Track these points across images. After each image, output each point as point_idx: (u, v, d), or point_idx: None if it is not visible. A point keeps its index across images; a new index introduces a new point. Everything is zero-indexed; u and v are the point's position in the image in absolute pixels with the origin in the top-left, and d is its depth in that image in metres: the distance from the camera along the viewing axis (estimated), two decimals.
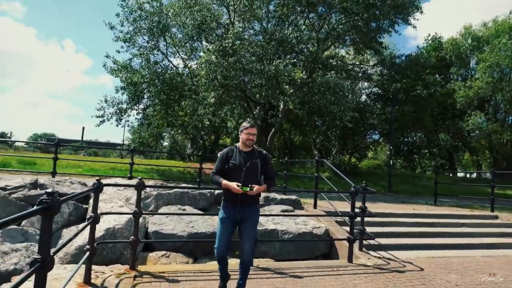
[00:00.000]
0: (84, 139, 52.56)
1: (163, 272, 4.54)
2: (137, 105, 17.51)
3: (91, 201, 6.62)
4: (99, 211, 4.33)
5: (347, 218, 6.70)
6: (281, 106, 19.96)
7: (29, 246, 5.10)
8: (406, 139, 27.99)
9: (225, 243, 3.81)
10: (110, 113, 16.79)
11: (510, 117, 25.60)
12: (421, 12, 17.62)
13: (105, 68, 17.56)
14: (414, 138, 28.30)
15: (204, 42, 18.95)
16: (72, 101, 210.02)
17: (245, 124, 3.89)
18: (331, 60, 21.18)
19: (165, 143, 49.09)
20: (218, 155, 4.01)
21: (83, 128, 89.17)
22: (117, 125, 17.35)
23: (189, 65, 19.31)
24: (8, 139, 53.49)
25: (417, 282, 4.68)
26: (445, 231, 7.65)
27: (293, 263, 5.41)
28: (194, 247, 5.85)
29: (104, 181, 4.84)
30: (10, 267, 4.72)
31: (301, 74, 16.93)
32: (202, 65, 14.66)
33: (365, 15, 16.58)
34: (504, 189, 18.61)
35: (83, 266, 3.98)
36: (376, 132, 24.63)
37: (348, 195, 6.21)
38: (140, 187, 4.59)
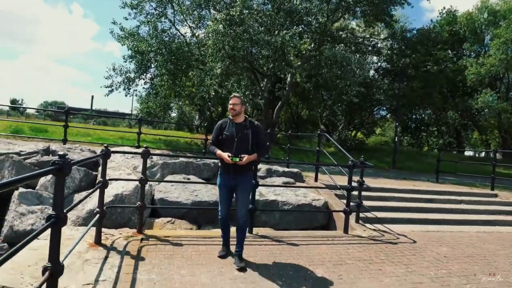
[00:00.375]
0: (93, 108, 52.98)
1: (168, 237, 4.83)
2: (145, 74, 17.58)
3: (100, 168, 6.93)
4: (107, 178, 4.59)
5: (346, 191, 6.93)
6: (288, 79, 19.83)
7: (44, 208, 5.43)
8: (414, 116, 27.80)
9: (225, 207, 4.16)
10: (118, 82, 16.92)
11: None
12: None
13: (112, 35, 17.54)
14: (423, 115, 28.10)
15: (212, 11, 18.69)
16: (80, 67, 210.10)
17: (230, 100, 4.10)
18: (341, 32, 20.75)
19: (173, 114, 49.28)
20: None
21: (92, 97, 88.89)
22: (125, 95, 17.65)
23: (196, 34, 19.14)
24: (20, 106, 54.16)
25: (408, 253, 4.92)
26: (442, 207, 7.85)
27: (291, 232, 5.68)
28: (198, 215, 6.14)
29: (112, 149, 5.08)
30: (27, 227, 5.06)
31: (308, 46, 16.70)
32: (209, 35, 14.54)
33: None
34: (509, 168, 18.65)
35: (94, 228, 4.29)
36: (384, 108, 24.49)
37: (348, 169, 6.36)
38: (146, 155, 4.80)
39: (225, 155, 3.89)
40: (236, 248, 4.11)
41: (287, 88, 20.19)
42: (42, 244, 3.93)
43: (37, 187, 6.19)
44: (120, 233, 4.77)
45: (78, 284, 3.23)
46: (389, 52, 22.14)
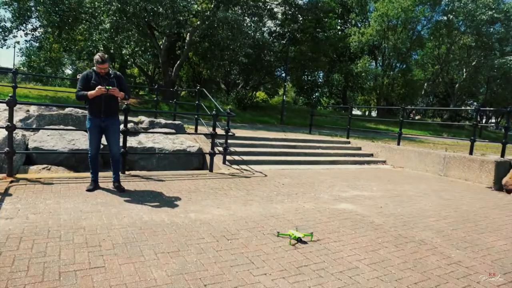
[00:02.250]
0: None
1: (40, 178, 5.24)
2: (25, 25, 16.01)
3: None
4: None
5: (220, 140, 7.95)
6: (188, 38, 19.94)
7: None
8: (307, 78, 30.30)
9: (95, 146, 4.87)
10: None
11: (394, 63, 29.17)
12: None
13: None
14: (315, 78, 30.82)
15: None
16: None
17: (97, 58, 4.61)
18: None
19: (68, 71, 45.15)
20: (78, 76, 4.76)
21: None
22: (1, 46, 15.84)
23: None
24: None
25: (255, 183, 6.14)
26: (302, 151, 9.43)
27: (162, 172, 6.50)
28: (76, 162, 6.54)
29: None
30: None
31: (202, 7, 16.95)
32: None
33: None
34: (376, 123, 22.16)
35: None
36: (279, 70, 26.21)
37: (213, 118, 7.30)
38: (11, 103, 5.02)
39: (98, 87, 4.52)
40: (113, 175, 5.01)
41: (185, 47, 20.34)
42: None
43: None
44: None
45: None
46: (283, 17, 23.48)
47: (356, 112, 43.08)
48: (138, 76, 29.61)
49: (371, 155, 10.42)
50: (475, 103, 43.43)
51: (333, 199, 5.44)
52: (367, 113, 43.23)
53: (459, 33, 29.14)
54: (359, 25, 30.14)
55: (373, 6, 28.58)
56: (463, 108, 36.57)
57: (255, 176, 6.77)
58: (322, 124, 17.22)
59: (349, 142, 11.26)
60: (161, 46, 19.44)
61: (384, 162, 9.92)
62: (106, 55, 4.75)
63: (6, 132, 6.00)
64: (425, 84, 32.47)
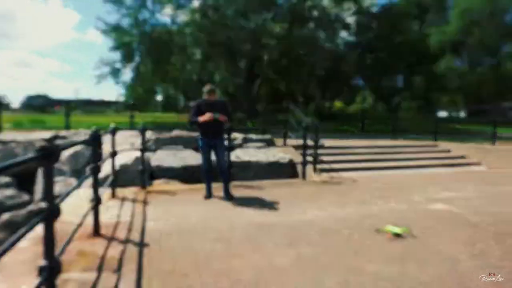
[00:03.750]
0: (78, 98, 53.25)
1: (165, 190, 6.37)
2: (130, 63, 18.67)
3: (104, 145, 8.35)
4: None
5: (309, 150, 8.53)
6: (266, 57, 21.10)
7: (65, 179, 6.89)
8: (386, 84, 29.40)
9: (207, 160, 5.81)
10: (106, 72, 18.06)
11: (481, 59, 26.92)
12: None
13: (97, 29, 18.49)
14: (394, 83, 29.77)
15: None
16: (62, 58, 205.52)
17: (205, 89, 5.68)
18: (314, 11, 21.87)
19: (159, 98, 49.89)
20: (191, 104, 5.82)
21: (77, 88, 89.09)
22: (116, 83, 18.72)
23: (177, 21, 20.10)
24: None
25: (346, 188, 6.58)
26: (390, 157, 9.55)
27: (260, 181, 7.25)
28: (188, 176, 7.65)
29: None
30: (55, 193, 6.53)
31: (280, 28, 17.91)
32: (187, 25, 15.69)
33: None
34: (465, 124, 20.73)
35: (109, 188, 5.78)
36: (357, 78, 25.99)
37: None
38: (143, 130, 6.27)
39: (208, 114, 5.46)
40: (223, 185, 5.80)
41: (264, 65, 21.49)
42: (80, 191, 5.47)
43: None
44: (129, 190, 6.28)
45: (106, 218, 4.72)
46: (356, 27, 23.46)
47: (442, 114, 40.18)
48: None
49: (462, 157, 10.04)
50: None
51: (426, 201, 5.64)
52: (453, 114, 40.05)
53: None
54: (438, 23, 28.55)
55: (452, 1, 26.94)
56: None
57: (345, 182, 7.19)
58: (406, 129, 16.71)
59: (436, 146, 10.99)
60: (242, 68, 20.86)
61: (478, 164, 9.52)
62: (213, 86, 5.73)
63: (136, 154, 7.40)
64: None
